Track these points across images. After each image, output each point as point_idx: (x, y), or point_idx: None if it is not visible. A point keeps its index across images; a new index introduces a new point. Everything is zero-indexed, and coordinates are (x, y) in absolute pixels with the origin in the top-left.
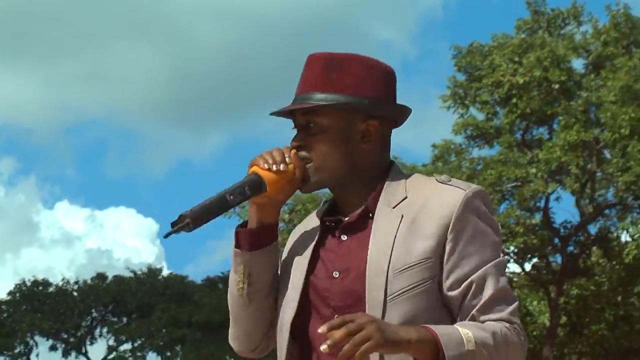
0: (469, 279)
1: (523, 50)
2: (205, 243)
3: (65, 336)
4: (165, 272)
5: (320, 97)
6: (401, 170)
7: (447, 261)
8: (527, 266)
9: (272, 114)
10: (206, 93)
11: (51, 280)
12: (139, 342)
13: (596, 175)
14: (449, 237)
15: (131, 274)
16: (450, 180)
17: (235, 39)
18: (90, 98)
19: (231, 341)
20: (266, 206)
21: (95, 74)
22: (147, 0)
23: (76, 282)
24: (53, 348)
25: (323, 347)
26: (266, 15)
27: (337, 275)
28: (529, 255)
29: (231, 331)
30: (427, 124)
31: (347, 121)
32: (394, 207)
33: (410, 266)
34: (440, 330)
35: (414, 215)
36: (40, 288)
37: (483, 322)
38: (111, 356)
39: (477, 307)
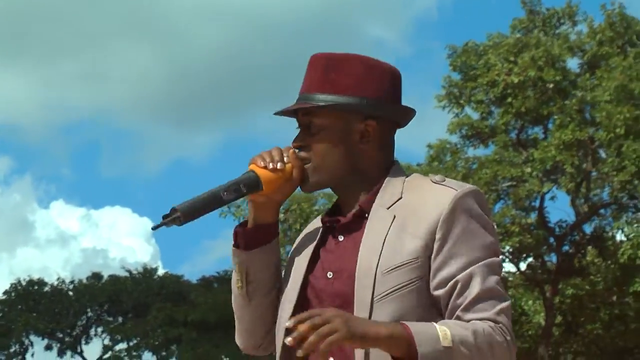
0: (455, 278)
1: (518, 49)
2: (201, 242)
3: (61, 336)
4: (161, 272)
5: (319, 98)
6: (403, 170)
7: (435, 260)
8: (523, 266)
9: (275, 113)
10: (202, 92)
11: (46, 279)
12: (135, 341)
13: (591, 175)
14: (437, 236)
15: (127, 274)
16: (444, 180)
17: (232, 38)
18: (85, 98)
19: (236, 338)
20: (264, 205)
21: (93, 74)
22: (146, 0)
23: (72, 282)
24: (48, 347)
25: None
26: (263, 15)
27: (331, 276)
28: (524, 255)
29: (236, 329)
30: (423, 123)
31: (345, 121)
32: (388, 208)
33: (398, 266)
34: (416, 327)
35: (406, 216)
36: (36, 287)
37: (468, 321)
38: (107, 356)
39: (462, 306)
